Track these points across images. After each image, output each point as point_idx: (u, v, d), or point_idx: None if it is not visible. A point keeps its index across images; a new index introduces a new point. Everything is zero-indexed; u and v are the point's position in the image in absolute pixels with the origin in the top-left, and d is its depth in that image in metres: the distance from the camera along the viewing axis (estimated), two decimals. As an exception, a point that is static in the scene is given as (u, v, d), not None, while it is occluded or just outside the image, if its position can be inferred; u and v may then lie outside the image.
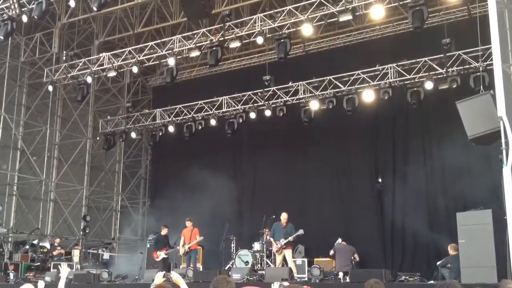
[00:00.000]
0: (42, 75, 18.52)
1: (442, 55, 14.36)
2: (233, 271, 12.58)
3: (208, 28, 15.73)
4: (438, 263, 12.24)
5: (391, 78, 15.39)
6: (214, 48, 14.82)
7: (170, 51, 15.88)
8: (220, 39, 14.91)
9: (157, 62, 16.89)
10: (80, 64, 17.52)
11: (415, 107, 15.30)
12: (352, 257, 13.71)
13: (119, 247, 21.28)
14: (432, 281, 10.85)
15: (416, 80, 15.08)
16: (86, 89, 17.53)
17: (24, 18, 14.39)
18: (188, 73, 21.72)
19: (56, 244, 17.15)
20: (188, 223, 14.61)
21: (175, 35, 16.58)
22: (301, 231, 13.23)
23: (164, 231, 14.97)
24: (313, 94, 16.64)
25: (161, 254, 14.52)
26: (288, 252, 13.34)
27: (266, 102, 17.20)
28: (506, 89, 8.49)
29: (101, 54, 17.67)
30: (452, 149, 15.88)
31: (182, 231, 14.68)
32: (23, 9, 14.21)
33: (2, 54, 18.64)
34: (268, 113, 17.17)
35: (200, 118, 18.49)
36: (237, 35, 14.88)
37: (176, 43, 15.92)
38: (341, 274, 12.06)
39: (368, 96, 15.66)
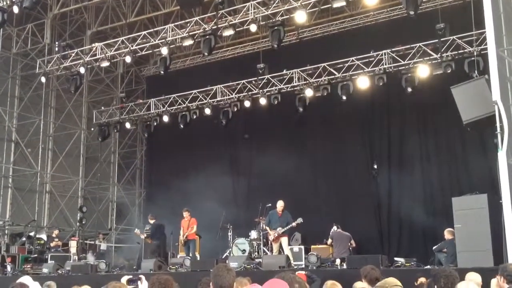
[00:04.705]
0: (35, 67, 18.38)
1: (437, 40, 14.32)
2: (230, 260, 12.59)
3: (201, 17, 15.61)
4: (434, 247, 12.30)
5: (385, 64, 15.37)
6: (207, 37, 14.76)
7: (163, 40, 15.79)
8: (213, 27, 14.83)
9: (150, 51, 16.81)
10: (73, 54, 17.39)
11: (409, 92, 15.29)
12: (349, 244, 13.80)
13: (116, 238, 21.29)
14: (428, 266, 10.89)
15: (411, 66, 15.06)
16: (79, 79, 17.46)
17: (15, 9, 14.26)
18: (181, 62, 21.63)
19: (54, 235, 17.14)
20: (186, 214, 14.72)
21: (168, 24, 16.46)
22: (300, 220, 13.23)
23: (151, 221, 15.59)
24: (307, 81, 16.59)
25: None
26: (284, 240, 13.35)
27: (261, 90, 17.12)
28: (500, 74, 8.49)
29: (93, 44, 17.55)
30: (447, 134, 15.97)
31: (181, 222, 14.75)
32: (14, 0, 14.06)
33: (-6, 46, 18.51)
34: (262, 101, 17.07)
35: (194, 107, 18.41)
36: (230, 23, 14.80)
37: (169, 32, 15.82)
38: (338, 261, 12.09)
39: (362, 82, 15.64)
